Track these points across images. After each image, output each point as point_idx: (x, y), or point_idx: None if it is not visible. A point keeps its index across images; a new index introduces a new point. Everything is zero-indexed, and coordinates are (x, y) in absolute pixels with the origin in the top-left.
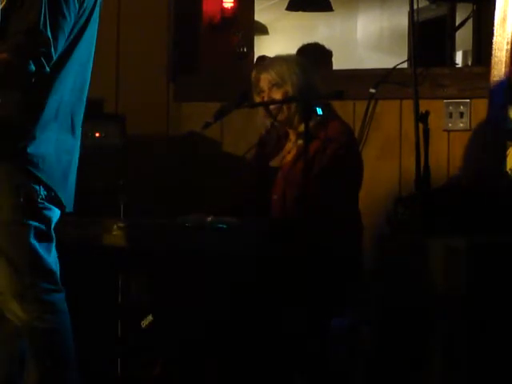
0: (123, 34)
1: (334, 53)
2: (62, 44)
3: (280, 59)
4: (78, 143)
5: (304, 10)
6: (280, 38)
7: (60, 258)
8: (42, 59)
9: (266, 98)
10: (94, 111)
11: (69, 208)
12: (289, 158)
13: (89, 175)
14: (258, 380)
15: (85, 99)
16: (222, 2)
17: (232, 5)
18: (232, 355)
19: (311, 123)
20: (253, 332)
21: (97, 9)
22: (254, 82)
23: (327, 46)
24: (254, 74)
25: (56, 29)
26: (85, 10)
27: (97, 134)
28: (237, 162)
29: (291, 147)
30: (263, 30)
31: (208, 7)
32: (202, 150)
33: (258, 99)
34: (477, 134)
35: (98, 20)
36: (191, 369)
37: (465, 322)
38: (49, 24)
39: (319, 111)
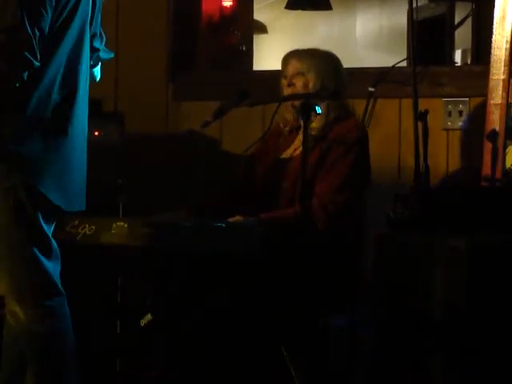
0: (122, 33)
1: (333, 51)
2: (40, 40)
3: (313, 51)
4: (74, 142)
5: (303, 8)
6: (279, 36)
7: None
8: (28, 55)
9: (287, 84)
10: (93, 110)
11: (70, 208)
12: (301, 149)
13: (87, 174)
14: (258, 380)
15: (82, 97)
16: (221, 0)
17: (231, 3)
18: (232, 355)
19: (324, 121)
20: (253, 332)
21: (83, 3)
22: (282, 65)
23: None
24: (285, 56)
25: (33, 25)
26: (66, 5)
27: (96, 133)
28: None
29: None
30: (262, 28)
31: (207, 6)
32: (202, 148)
33: (283, 82)
34: (476, 132)
35: (87, 15)
36: (191, 369)
37: (465, 322)
38: (27, 21)
39: (318, 110)
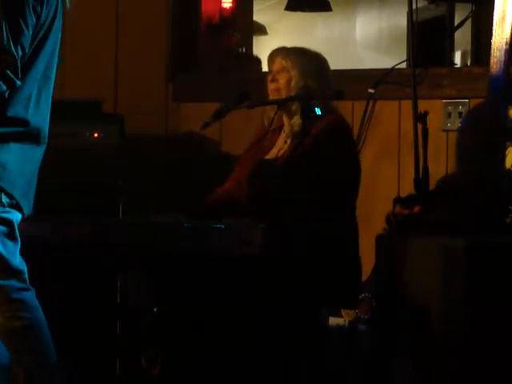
0: (122, 34)
1: (332, 53)
2: (22, 59)
3: (300, 49)
4: (43, 152)
5: (303, 10)
6: (279, 38)
7: (59, 257)
8: (11, 75)
9: (270, 79)
10: (93, 111)
11: (28, 213)
12: (285, 148)
13: (87, 175)
14: (258, 379)
15: (49, 106)
16: (220, 2)
17: (231, 5)
18: (232, 355)
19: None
20: (253, 332)
21: (58, 20)
22: (269, 61)
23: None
24: (271, 52)
25: (17, 45)
26: (44, 23)
27: (95, 134)
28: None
29: (286, 138)
30: (262, 30)
31: (207, 7)
32: (201, 150)
33: (269, 78)
34: (474, 132)
35: (60, 31)
36: (191, 369)
37: (464, 322)
38: (12, 40)
39: (318, 111)
